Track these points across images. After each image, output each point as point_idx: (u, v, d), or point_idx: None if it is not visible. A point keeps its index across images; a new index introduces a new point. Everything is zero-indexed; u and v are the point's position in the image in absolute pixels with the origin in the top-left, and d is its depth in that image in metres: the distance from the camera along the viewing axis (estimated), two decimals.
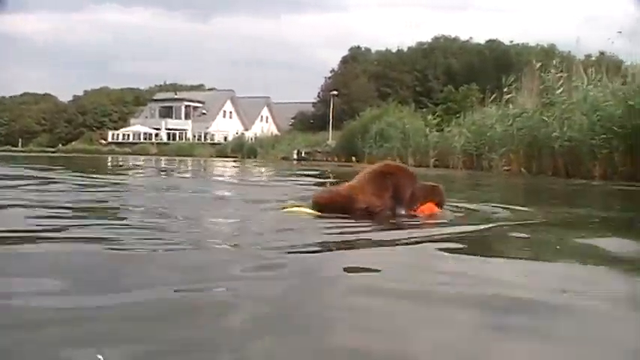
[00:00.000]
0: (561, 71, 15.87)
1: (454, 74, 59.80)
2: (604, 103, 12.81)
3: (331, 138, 37.45)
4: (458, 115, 23.41)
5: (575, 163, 13.29)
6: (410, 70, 63.84)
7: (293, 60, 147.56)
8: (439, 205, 3.26)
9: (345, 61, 68.92)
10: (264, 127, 62.08)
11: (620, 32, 15.12)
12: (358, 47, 71.76)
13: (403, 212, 3.13)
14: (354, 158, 27.95)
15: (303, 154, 36.12)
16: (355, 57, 68.99)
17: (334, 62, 75.04)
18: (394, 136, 26.03)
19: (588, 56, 23.41)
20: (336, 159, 31.12)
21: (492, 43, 63.91)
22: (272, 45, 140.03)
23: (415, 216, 3.13)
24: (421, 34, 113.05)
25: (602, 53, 23.99)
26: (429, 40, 69.22)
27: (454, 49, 66.26)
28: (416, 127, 25.53)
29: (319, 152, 35.22)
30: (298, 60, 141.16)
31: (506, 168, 16.21)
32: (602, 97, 13.13)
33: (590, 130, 12.68)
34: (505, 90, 18.41)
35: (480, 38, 70.81)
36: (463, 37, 69.14)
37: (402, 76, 63.05)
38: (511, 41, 62.62)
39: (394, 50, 68.49)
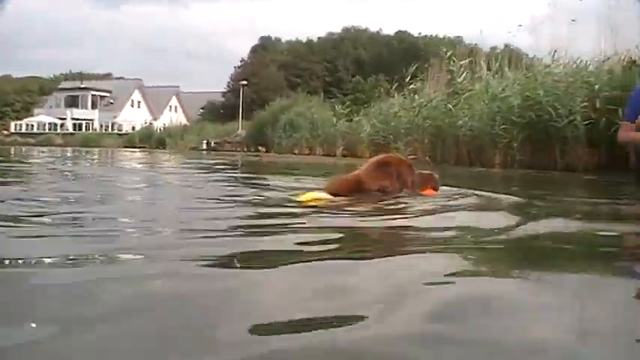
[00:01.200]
0: (469, 61, 16.15)
1: (363, 65, 60.59)
2: (503, 94, 13.12)
3: (241, 128, 37.02)
4: (366, 105, 23.51)
5: (478, 152, 13.53)
6: (320, 61, 64.11)
7: (203, 49, 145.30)
8: (435, 190, 3.66)
9: (254, 50, 68.42)
10: (172, 117, 60.67)
11: (521, 26, 15.59)
12: (268, 37, 71.46)
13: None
14: (261, 148, 27.80)
15: (212, 145, 35.62)
16: (265, 46, 68.62)
17: (244, 52, 74.45)
18: (303, 126, 25.95)
19: (494, 48, 24.00)
20: (245, 149, 30.82)
21: (401, 35, 65.04)
22: (182, 33, 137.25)
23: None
24: (331, 25, 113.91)
25: (506, 46, 24.65)
26: (339, 31, 69.76)
27: (363, 40, 67.00)
28: (324, 117, 25.58)
29: (229, 142, 34.77)
30: (208, 49, 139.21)
31: (412, 157, 16.34)
32: (502, 88, 13.44)
33: (491, 120, 12.93)
34: (410, 79, 18.62)
35: (390, 29, 72.04)
36: (373, 28, 70.09)
37: (312, 66, 63.25)
38: (419, 33, 64.02)
39: (304, 40, 68.63)
